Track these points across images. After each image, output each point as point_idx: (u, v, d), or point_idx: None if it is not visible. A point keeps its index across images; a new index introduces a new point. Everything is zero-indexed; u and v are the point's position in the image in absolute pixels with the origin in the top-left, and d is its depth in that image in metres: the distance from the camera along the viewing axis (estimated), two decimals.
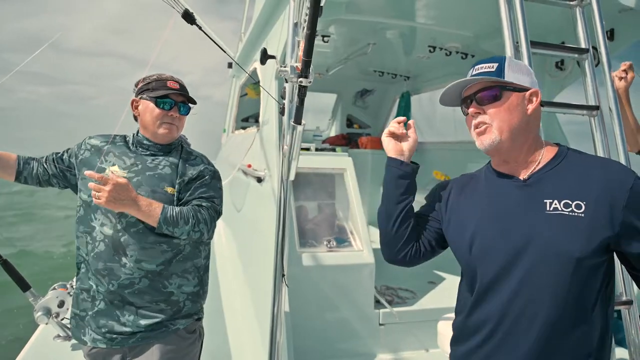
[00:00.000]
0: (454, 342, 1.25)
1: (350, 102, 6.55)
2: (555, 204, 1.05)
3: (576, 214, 1.02)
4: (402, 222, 1.27)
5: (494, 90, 1.11)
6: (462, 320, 1.20)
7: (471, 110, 1.15)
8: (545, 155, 1.13)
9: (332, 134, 6.82)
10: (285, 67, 1.66)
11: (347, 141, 6.30)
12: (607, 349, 1.07)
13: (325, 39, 3.98)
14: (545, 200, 1.06)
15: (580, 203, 1.03)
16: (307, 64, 1.61)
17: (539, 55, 2.09)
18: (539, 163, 1.12)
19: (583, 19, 2.13)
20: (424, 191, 1.43)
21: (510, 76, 1.11)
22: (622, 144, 1.91)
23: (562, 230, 1.02)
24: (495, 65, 1.12)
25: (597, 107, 2.03)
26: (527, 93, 1.12)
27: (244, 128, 4.95)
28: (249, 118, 5.71)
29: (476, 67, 1.16)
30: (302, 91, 1.69)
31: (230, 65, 5.25)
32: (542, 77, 3.54)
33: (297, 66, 1.64)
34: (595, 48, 2.10)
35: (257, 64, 3.87)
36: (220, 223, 5.87)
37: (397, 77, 5.47)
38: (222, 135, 6.49)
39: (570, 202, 1.04)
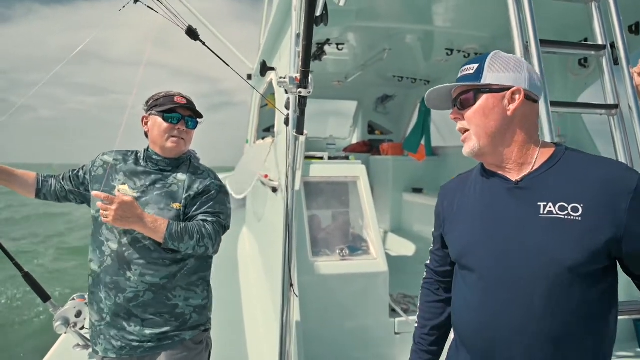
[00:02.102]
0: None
1: (371, 108, 6.52)
2: (550, 207, 0.98)
3: (572, 217, 0.95)
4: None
5: (469, 95, 1.07)
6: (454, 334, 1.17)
7: (451, 115, 1.12)
8: (541, 156, 1.06)
9: (354, 141, 6.81)
10: (284, 78, 1.68)
11: (368, 148, 6.26)
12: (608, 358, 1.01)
13: (340, 46, 3.99)
14: (539, 203, 0.99)
15: (578, 206, 0.95)
16: (305, 74, 1.62)
17: (559, 55, 2.01)
18: (533, 165, 1.05)
19: (599, 14, 2.04)
20: None
21: (488, 77, 1.05)
22: None
23: (556, 236, 0.95)
24: (476, 66, 1.07)
25: (616, 106, 1.94)
26: (508, 92, 1.04)
27: (264, 139, 5.02)
28: (270, 128, 5.78)
29: (462, 69, 1.11)
30: (302, 102, 1.70)
31: (249, 77, 5.34)
32: (564, 75, 3.42)
33: (296, 77, 1.66)
34: (614, 45, 2.01)
35: (273, 75, 3.92)
36: (245, 232, 5.94)
37: (416, 82, 5.41)
38: (244, 146, 6.59)
39: (567, 205, 0.96)
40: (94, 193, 1.49)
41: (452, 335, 1.25)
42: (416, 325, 1.35)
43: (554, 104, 1.74)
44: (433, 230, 1.31)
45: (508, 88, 1.04)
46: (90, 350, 2.06)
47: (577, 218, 0.95)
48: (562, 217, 0.96)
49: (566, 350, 0.96)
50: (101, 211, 1.45)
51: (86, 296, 2.12)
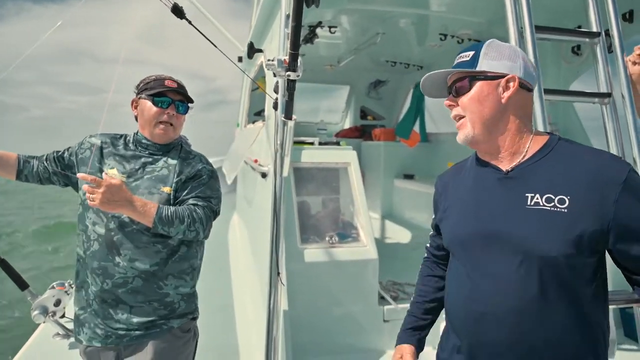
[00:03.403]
0: (440, 343, 1.22)
1: (363, 93, 6.46)
2: (537, 198, 0.97)
3: (558, 209, 0.94)
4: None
5: (464, 81, 1.06)
6: (446, 322, 1.17)
7: (445, 102, 1.12)
8: (533, 145, 1.05)
9: (346, 126, 6.76)
10: (272, 60, 1.62)
11: (360, 133, 6.23)
12: (601, 350, 1.00)
13: (333, 29, 3.91)
14: (527, 194, 0.99)
15: (564, 198, 0.95)
16: (294, 57, 1.56)
17: (553, 41, 1.99)
18: (524, 155, 1.04)
19: (595, 1, 2.01)
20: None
21: (483, 64, 1.04)
22: (636, 132, 1.79)
23: (541, 228, 0.95)
24: (472, 53, 1.07)
25: (609, 95, 1.92)
26: (503, 80, 1.03)
27: (255, 123, 4.94)
28: (260, 112, 5.70)
29: (458, 56, 1.11)
30: (291, 85, 1.65)
31: (240, 59, 5.23)
32: (557, 63, 3.39)
33: (284, 59, 1.60)
34: (608, 32, 1.98)
35: (263, 57, 3.83)
36: (235, 218, 5.90)
37: (410, 67, 5.35)
38: (235, 130, 6.51)
39: (553, 197, 0.96)
40: (80, 175, 1.42)
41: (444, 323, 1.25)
42: (412, 298, 1.36)
43: (547, 91, 1.72)
44: (433, 216, 1.33)
45: (503, 76, 1.04)
46: (71, 339, 2.01)
47: (563, 210, 0.94)
48: (548, 208, 0.96)
49: (554, 342, 0.95)
50: (87, 194, 1.39)
51: (66, 284, 2.07)
